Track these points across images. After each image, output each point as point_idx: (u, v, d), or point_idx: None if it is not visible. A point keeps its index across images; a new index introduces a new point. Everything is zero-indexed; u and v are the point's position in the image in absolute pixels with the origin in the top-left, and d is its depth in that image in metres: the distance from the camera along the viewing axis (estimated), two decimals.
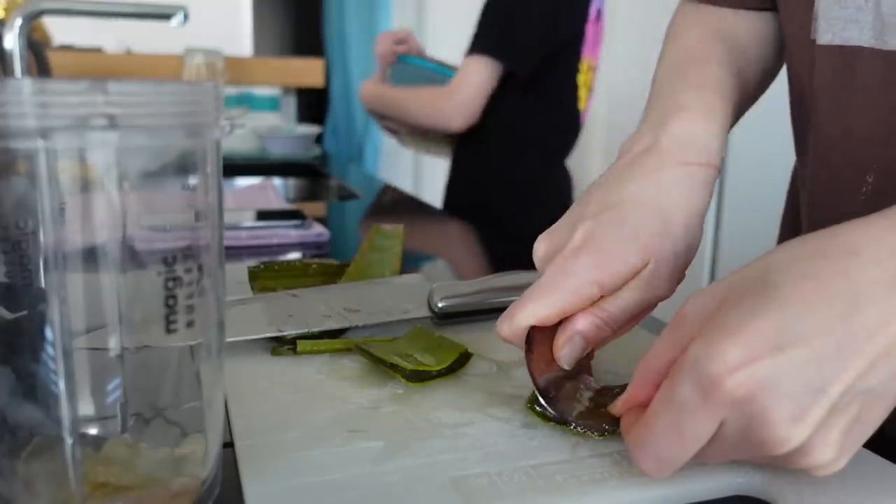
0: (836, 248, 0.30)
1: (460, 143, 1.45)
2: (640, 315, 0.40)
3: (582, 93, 1.40)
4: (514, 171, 1.41)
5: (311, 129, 1.92)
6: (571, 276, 0.39)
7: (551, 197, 1.43)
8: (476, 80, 1.28)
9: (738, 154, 1.93)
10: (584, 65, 1.38)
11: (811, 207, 0.53)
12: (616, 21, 2.33)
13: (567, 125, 1.43)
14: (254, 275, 0.61)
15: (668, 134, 0.43)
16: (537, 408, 0.40)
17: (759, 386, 0.28)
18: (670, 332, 0.32)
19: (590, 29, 1.36)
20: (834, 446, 0.30)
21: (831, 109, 0.47)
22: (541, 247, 0.42)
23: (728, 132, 0.47)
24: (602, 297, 0.39)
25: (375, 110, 1.48)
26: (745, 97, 0.52)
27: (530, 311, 0.39)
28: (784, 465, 0.31)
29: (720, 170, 0.44)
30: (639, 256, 0.39)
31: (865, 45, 0.43)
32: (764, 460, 0.32)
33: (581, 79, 1.38)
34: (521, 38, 1.29)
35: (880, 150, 0.45)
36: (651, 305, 0.40)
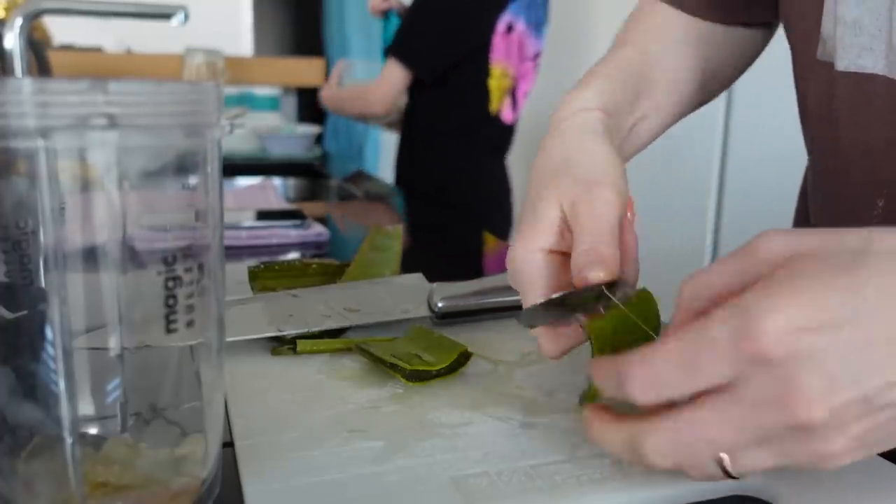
0: None
1: (401, 128, 1.73)
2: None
3: (496, 95, 1.63)
4: (436, 158, 1.66)
5: (311, 129, 1.92)
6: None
7: (478, 188, 1.63)
8: (391, 79, 1.57)
9: (738, 154, 1.93)
10: (497, 71, 1.62)
11: (823, 221, 0.53)
12: (614, 28, 2.33)
13: (479, 123, 1.63)
14: (254, 275, 0.61)
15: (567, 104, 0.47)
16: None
17: (799, 355, 0.27)
18: (734, 261, 0.30)
19: (500, 40, 1.61)
20: (851, 441, 0.28)
21: (850, 130, 0.48)
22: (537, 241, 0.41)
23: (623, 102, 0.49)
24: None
25: (334, 111, 1.80)
26: (671, 84, 0.54)
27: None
28: (790, 452, 0.29)
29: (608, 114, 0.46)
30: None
31: (879, 73, 0.44)
32: (768, 445, 0.29)
33: (494, 84, 1.62)
34: (428, 48, 1.58)
35: (893, 173, 0.45)
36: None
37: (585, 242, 0.37)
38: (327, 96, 1.76)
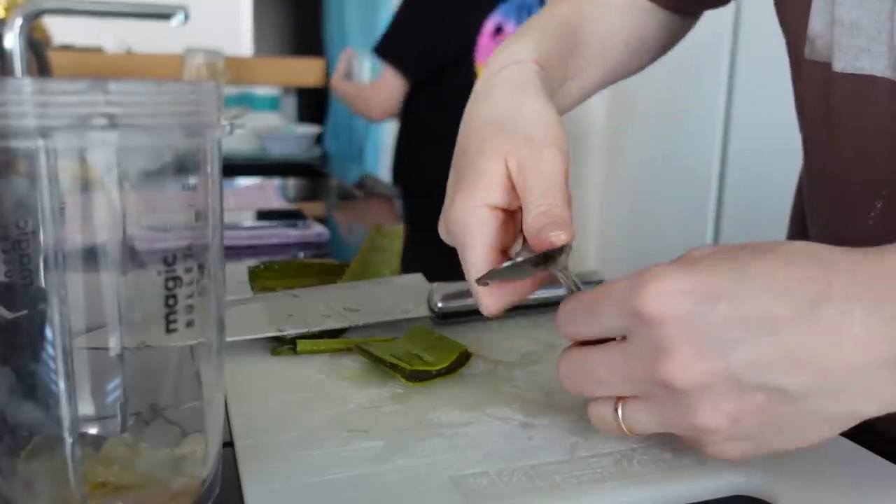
0: (837, 265, 0.30)
1: (398, 125, 1.79)
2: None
3: None
4: (430, 156, 1.71)
5: (311, 129, 1.92)
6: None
7: None
8: (389, 84, 1.62)
9: (738, 154, 1.93)
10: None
11: (819, 224, 0.53)
12: None
13: None
14: (254, 275, 0.61)
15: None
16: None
17: (674, 317, 0.29)
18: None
19: (486, 41, 1.65)
20: (724, 419, 0.30)
21: (847, 132, 0.48)
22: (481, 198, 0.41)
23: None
24: None
25: (341, 101, 1.83)
26: (606, 51, 0.55)
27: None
28: (668, 417, 0.31)
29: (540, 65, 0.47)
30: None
31: (878, 74, 0.44)
32: (647, 404, 0.32)
33: None
34: (412, 48, 1.63)
35: (892, 175, 0.45)
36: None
37: (541, 204, 0.38)
38: (335, 86, 1.79)
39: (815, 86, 0.49)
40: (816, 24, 0.46)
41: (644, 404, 0.32)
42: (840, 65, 0.45)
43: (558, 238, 0.37)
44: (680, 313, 0.29)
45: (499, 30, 1.65)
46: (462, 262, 0.40)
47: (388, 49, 1.61)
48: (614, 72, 0.58)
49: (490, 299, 0.40)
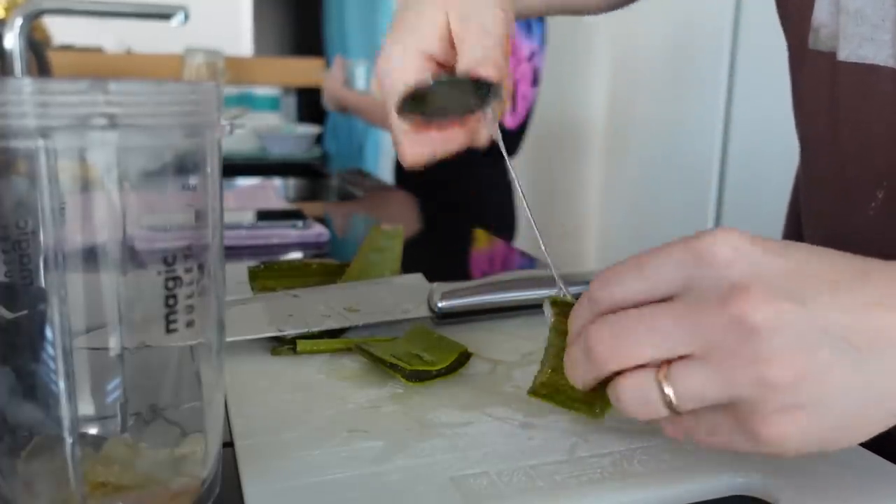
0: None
1: None
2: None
3: None
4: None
5: (311, 129, 1.92)
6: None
7: (479, 189, 1.63)
8: None
9: (738, 155, 1.93)
10: None
11: (818, 217, 0.53)
12: (614, 28, 2.33)
13: None
14: (254, 275, 0.61)
15: None
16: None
17: (744, 257, 0.28)
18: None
19: None
20: (789, 370, 0.27)
21: (850, 121, 0.47)
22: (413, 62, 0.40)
23: None
24: None
25: (337, 110, 1.79)
26: None
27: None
28: (730, 372, 0.28)
29: None
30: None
31: (881, 63, 0.44)
32: (707, 360, 0.28)
33: None
34: None
35: (893, 165, 0.45)
36: None
37: (476, 49, 0.38)
38: (336, 96, 1.73)
39: (819, 76, 0.48)
40: (821, 13, 0.46)
41: (701, 362, 0.28)
42: (844, 53, 0.45)
43: (486, 72, 0.36)
44: (751, 257, 0.28)
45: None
46: (387, 111, 0.39)
47: None
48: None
49: (410, 143, 0.38)
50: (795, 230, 0.60)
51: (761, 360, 0.27)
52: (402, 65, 0.39)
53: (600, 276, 0.31)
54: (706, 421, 0.30)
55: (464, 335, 0.51)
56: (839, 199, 0.50)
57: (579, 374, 0.32)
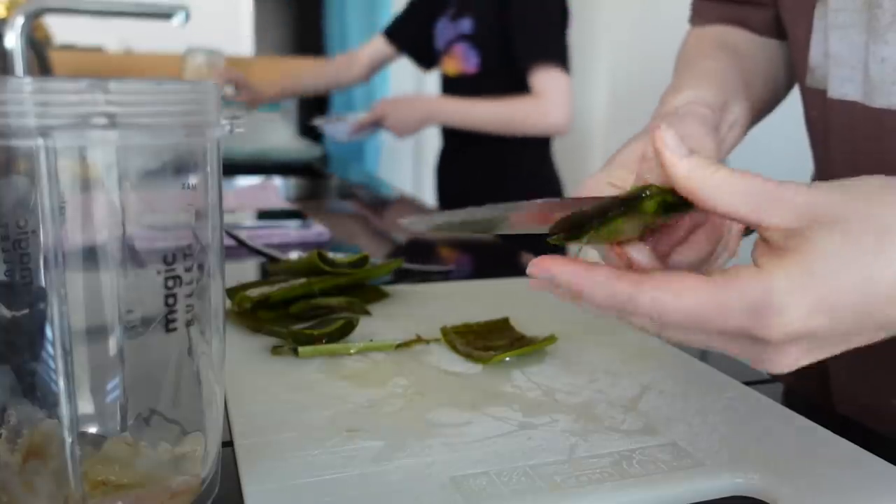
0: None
1: (446, 139, 1.63)
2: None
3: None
4: (502, 162, 1.54)
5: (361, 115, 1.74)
6: None
7: (537, 188, 1.52)
8: (564, 86, 1.47)
9: (738, 156, 1.93)
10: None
11: None
12: (615, 28, 2.33)
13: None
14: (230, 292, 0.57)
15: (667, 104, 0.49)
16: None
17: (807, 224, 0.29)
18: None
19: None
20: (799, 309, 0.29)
21: (840, 154, 0.52)
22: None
23: (731, 106, 0.52)
24: None
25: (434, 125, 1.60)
26: (750, 89, 0.56)
27: None
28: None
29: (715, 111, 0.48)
30: None
31: (859, 101, 0.48)
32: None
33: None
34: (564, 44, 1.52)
35: None
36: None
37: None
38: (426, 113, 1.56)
39: (816, 111, 0.53)
40: (815, 55, 0.51)
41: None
42: (832, 92, 0.50)
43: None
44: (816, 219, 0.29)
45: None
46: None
47: (561, 54, 1.50)
48: (764, 105, 0.60)
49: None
50: None
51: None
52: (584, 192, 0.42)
53: (638, 314, 0.31)
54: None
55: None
56: None
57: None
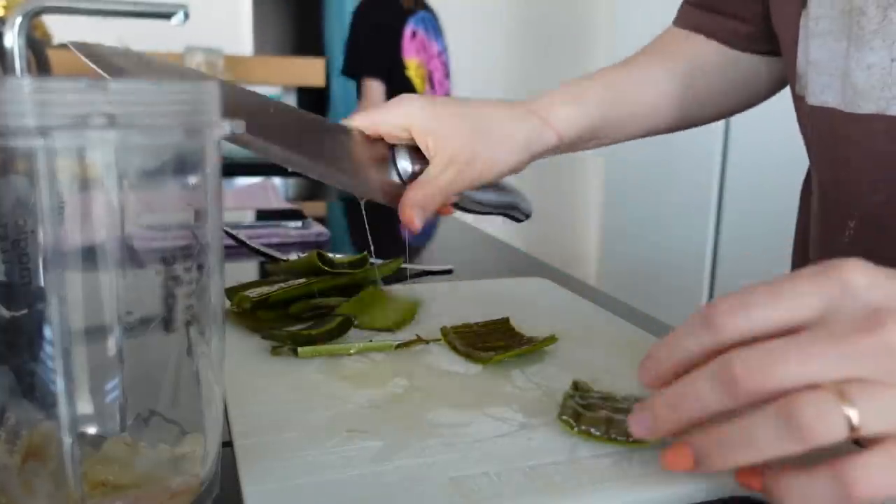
0: None
1: None
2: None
3: (416, 82, 2.21)
4: None
5: None
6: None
7: None
8: (373, 90, 2.14)
9: (738, 158, 1.93)
10: (412, 64, 2.21)
11: (812, 244, 0.58)
12: (617, 29, 2.33)
13: None
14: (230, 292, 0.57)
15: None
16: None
17: (884, 283, 0.29)
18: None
19: (408, 43, 2.21)
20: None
21: (823, 159, 0.54)
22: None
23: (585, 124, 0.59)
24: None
25: None
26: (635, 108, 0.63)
27: None
28: None
29: (556, 133, 0.57)
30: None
31: (836, 107, 0.50)
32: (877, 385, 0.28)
33: (412, 73, 2.21)
34: (374, 56, 2.16)
35: (860, 199, 0.51)
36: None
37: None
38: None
39: (803, 117, 0.55)
40: (800, 62, 0.53)
41: (872, 385, 0.27)
42: (812, 99, 0.52)
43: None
44: (886, 287, 0.29)
45: (414, 34, 2.22)
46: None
47: (357, 66, 2.08)
48: (658, 129, 0.65)
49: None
50: (802, 257, 0.62)
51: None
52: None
53: (721, 305, 0.30)
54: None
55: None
56: (822, 226, 0.55)
57: (696, 407, 0.30)
